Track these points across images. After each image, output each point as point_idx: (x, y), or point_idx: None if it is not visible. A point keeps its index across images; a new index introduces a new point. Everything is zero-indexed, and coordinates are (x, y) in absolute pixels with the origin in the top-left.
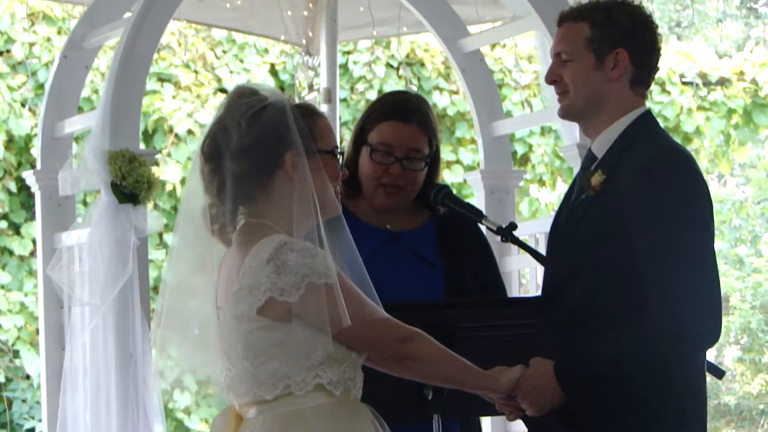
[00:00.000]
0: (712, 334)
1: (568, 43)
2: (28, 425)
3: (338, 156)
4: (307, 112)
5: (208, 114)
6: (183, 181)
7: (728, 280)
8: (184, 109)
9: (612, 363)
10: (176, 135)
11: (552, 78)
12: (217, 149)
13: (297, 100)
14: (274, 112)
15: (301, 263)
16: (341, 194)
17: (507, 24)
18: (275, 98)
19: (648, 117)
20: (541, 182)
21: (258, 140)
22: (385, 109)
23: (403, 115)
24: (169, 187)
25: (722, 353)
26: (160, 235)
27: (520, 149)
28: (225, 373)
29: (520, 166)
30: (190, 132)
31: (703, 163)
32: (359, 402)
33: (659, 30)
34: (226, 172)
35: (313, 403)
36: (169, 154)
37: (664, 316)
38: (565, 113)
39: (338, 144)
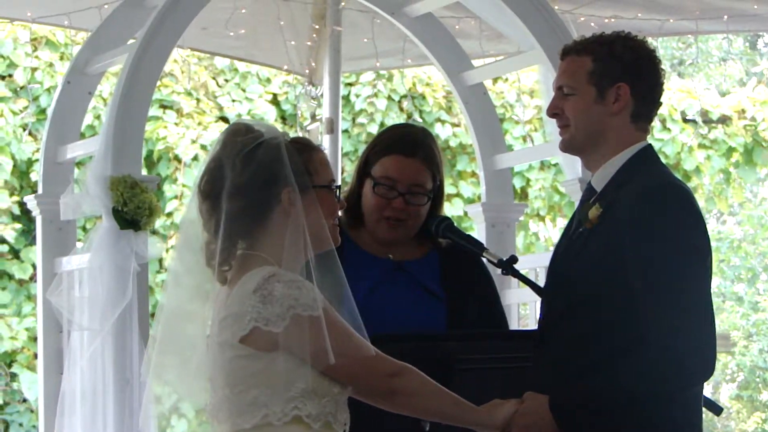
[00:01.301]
0: (707, 368)
1: (571, 76)
2: None
3: (335, 190)
4: (303, 147)
5: (212, 138)
6: None
7: (729, 317)
8: (189, 136)
9: (608, 398)
10: (181, 161)
11: (554, 111)
12: (213, 188)
13: (299, 130)
14: (268, 150)
15: (287, 294)
16: (344, 224)
17: (511, 58)
18: (270, 135)
19: (649, 151)
20: (539, 216)
21: (253, 179)
22: (390, 142)
23: (408, 150)
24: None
25: (719, 390)
26: (160, 260)
27: (518, 183)
28: (210, 401)
29: (518, 200)
30: (195, 158)
31: (700, 202)
32: None
33: (662, 66)
34: (222, 212)
35: None
36: (174, 181)
37: (660, 351)
38: (566, 147)
39: (335, 177)
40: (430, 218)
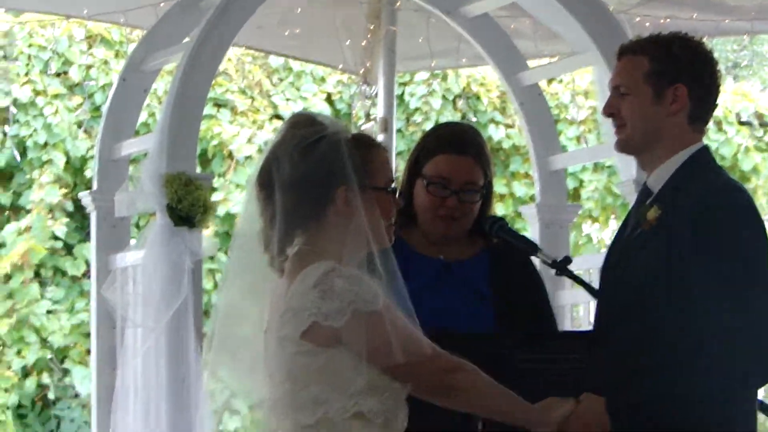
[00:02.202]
0: (765, 373)
1: (627, 76)
2: None
3: (392, 192)
4: (364, 144)
5: (268, 137)
6: None
7: None
8: (243, 135)
9: (666, 400)
10: (236, 160)
11: (609, 111)
12: (270, 179)
13: (354, 130)
14: (328, 146)
15: (347, 289)
16: (396, 223)
17: (566, 58)
18: (332, 129)
19: (705, 153)
20: (591, 218)
21: (309, 174)
22: (440, 141)
23: (459, 148)
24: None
25: None
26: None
27: (571, 184)
28: (269, 396)
29: (571, 201)
30: (248, 157)
31: (760, 201)
32: None
33: (719, 67)
34: (276, 204)
35: (354, 431)
36: (229, 180)
37: (721, 353)
38: (622, 147)
39: (393, 178)
40: (482, 216)
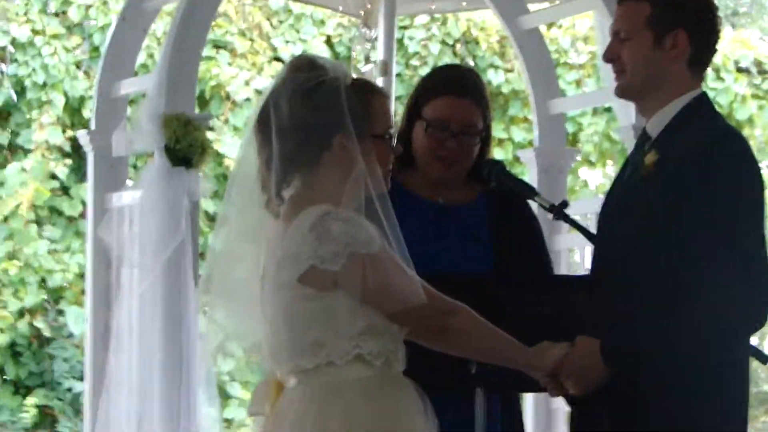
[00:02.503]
0: (760, 318)
1: (628, 21)
2: (67, 384)
3: (390, 139)
4: (364, 90)
5: (266, 81)
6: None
7: None
8: (242, 77)
9: (659, 344)
10: (233, 102)
11: (610, 56)
12: (268, 122)
13: (354, 73)
14: (327, 92)
15: (343, 232)
16: (393, 167)
17: (567, 2)
18: (332, 74)
19: (704, 99)
20: (589, 163)
21: (307, 120)
22: (440, 83)
23: (459, 90)
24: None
25: (765, 340)
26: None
27: (570, 128)
28: (267, 341)
29: (570, 145)
30: (247, 99)
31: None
32: (402, 377)
33: (719, 12)
34: (273, 147)
35: (354, 375)
36: (226, 121)
37: (714, 299)
38: (622, 92)
39: (392, 125)
40: (481, 160)
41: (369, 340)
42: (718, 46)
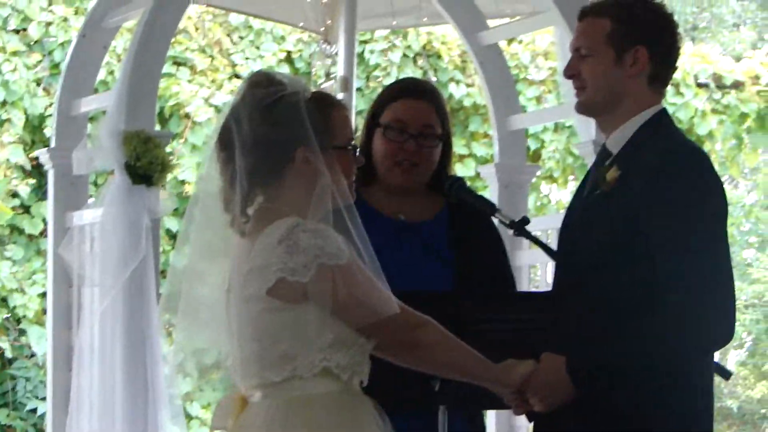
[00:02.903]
0: (725, 332)
1: (589, 38)
2: (30, 404)
3: (352, 150)
4: (323, 103)
5: (225, 98)
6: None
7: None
8: (201, 95)
9: (626, 361)
10: (193, 120)
11: (571, 72)
12: (230, 139)
13: (313, 89)
14: (287, 106)
15: (312, 244)
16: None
17: (526, 18)
18: (291, 89)
19: (664, 115)
20: (551, 179)
21: (269, 135)
22: (396, 89)
23: (416, 93)
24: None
25: (726, 356)
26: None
27: (532, 145)
28: (233, 356)
29: (532, 161)
30: (208, 119)
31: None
32: (363, 395)
33: (679, 29)
34: (237, 164)
35: (320, 389)
36: (185, 140)
37: (679, 315)
38: (583, 108)
39: (353, 136)
40: (442, 173)
41: (336, 352)
42: (678, 63)
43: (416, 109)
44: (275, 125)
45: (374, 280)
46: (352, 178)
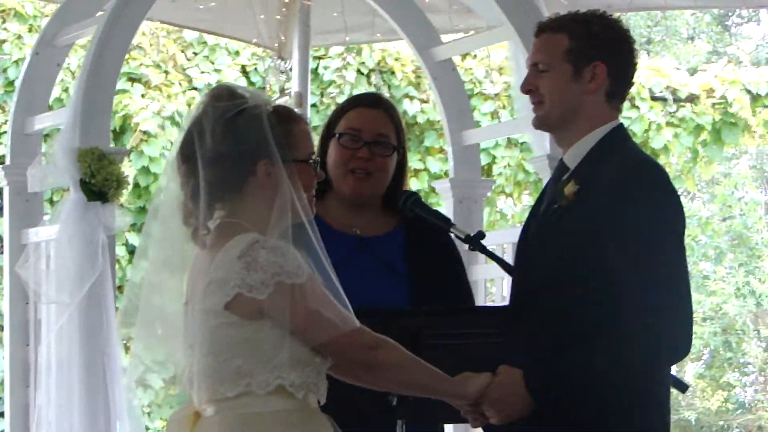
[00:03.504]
0: (682, 346)
1: (546, 53)
2: None
3: (314, 163)
4: (285, 117)
5: (174, 107)
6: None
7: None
8: (151, 108)
9: (582, 373)
10: (145, 131)
11: (528, 87)
12: (192, 151)
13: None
14: (249, 119)
15: (271, 261)
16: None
17: (480, 34)
18: (253, 102)
19: (622, 130)
20: (504, 193)
21: (231, 148)
22: (353, 100)
23: (370, 102)
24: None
25: (684, 369)
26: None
27: (484, 160)
28: (188, 369)
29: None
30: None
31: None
32: (320, 412)
33: (636, 45)
34: (199, 177)
35: (273, 407)
36: (141, 152)
37: (636, 329)
38: (540, 123)
39: (314, 150)
40: (397, 186)
41: (292, 371)
42: (634, 78)
43: (371, 117)
44: (237, 138)
45: (332, 298)
46: (313, 192)
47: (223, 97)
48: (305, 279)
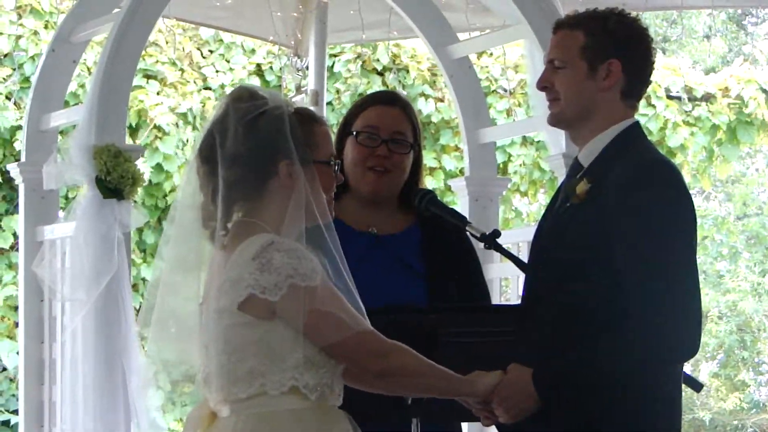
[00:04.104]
0: (691, 346)
1: (563, 50)
2: (3, 418)
3: (334, 165)
4: (306, 119)
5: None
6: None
7: (707, 295)
8: (166, 104)
9: (591, 372)
10: (160, 128)
11: (544, 84)
12: (212, 153)
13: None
14: (271, 120)
15: (286, 263)
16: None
17: (496, 32)
18: (274, 104)
19: (637, 129)
20: (519, 192)
21: (253, 149)
22: (369, 98)
23: (387, 100)
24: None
25: (698, 368)
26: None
27: (500, 158)
28: (203, 369)
29: (500, 175)
30: (176, 125)
31: (686, 178)
32: (336, 409)
33: (653, 44)
34: (220, 178)
35: (287, 406)
36: (156, 148)
37: (645, 327)
38: (555, 120)
39: (334, 152)
40: (413, 185)
41: (306, 372)
42: (651, 77)
43: (388, 115)
44: (259, 138)
45: (345, 302)
46: (332, 194)
47: (243, 99)
48: (318, 281)
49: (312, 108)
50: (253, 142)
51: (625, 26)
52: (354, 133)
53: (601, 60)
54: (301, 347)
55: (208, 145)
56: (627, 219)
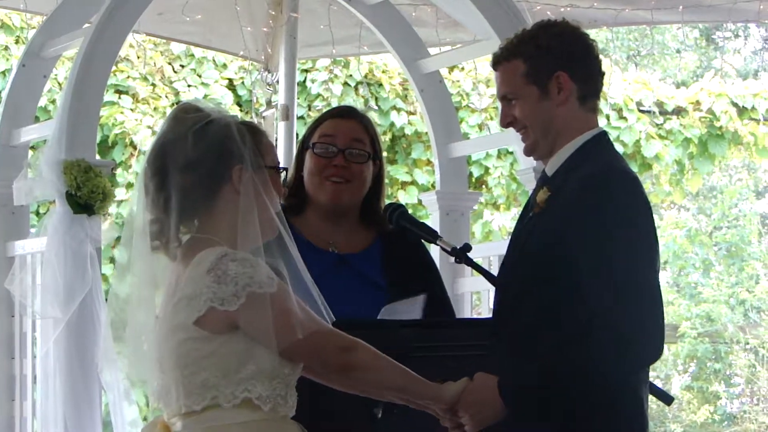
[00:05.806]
0: (654, 351)
1: (509, 83)
2: None
3: (281, 173)
4: (251, 129)
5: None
6: None
7: (678, 308)
8: (145, 123)
9: (555, 380)
10: (137, 148)
11: (507, 121)
12: (163, 164)
13: (254, 116)
14: (220, 128)
15: (241, 273)
16: (287, 211)
17: (467, 46)
18: (218, 115)
19: (602, 138)
20: (497, 205)
21: (205, 154)
22: (326, 113)
23: (344, 113)
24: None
25: (670, 381)
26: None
27: (477, 172)
28: (157, 383)
29: (477, 188)
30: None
31: (664, 188)
32: (289, 420)
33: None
34: (172, 187)
35: (240, 419)
36: (129, 167)
37: (606, 334)
38: (531, 151)
39: (279, 160)
40: (374, 199)
41: (259, 384)
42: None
43: (344, 125)
44: (210, 144)
45: (303, 304)
46: (281, 199)
47: (190, 110)
48: (276, 288)
49: (282, 123)
50: (205, 148)
51: (556, 36)
52: (311, 145)
53: (548, 77)
54: (255, 358)
55: (157, 155)
56: (584, 228)
